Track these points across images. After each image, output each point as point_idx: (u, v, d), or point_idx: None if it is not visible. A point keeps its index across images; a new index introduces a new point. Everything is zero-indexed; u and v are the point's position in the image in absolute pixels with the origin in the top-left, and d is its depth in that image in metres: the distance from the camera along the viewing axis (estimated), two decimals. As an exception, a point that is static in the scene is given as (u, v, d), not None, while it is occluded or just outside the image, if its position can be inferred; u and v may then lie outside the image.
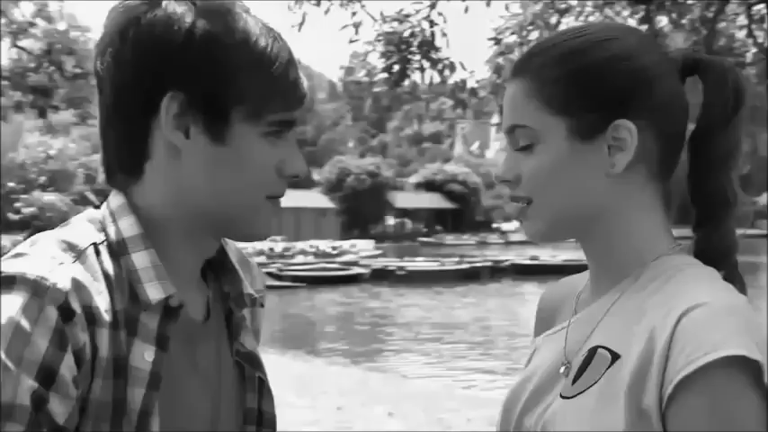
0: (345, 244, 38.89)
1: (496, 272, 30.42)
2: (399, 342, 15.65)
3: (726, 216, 0.98)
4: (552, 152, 0.96)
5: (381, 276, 28.52)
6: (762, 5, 6.24)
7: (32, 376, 0.84)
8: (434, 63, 6.26)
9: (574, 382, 0.94)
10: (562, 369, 0.98)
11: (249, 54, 0.94)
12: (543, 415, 0.96)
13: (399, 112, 69.35)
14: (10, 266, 0.88)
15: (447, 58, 6.28)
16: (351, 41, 6.75)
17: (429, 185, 58.72)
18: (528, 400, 1.00)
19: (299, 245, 36.82)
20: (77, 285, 0.89)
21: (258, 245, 30.76)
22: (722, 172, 0.98)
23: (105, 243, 0.95)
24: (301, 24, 6.85)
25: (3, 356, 0.83)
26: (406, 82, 6.49)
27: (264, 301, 1.16)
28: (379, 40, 6.45)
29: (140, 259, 0.95)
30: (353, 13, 6.59)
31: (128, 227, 0.96)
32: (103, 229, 0.96)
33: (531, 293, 25.57)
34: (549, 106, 0.96)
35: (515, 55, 7.11)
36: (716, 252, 0.97)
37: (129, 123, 0.96)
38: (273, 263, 30.67)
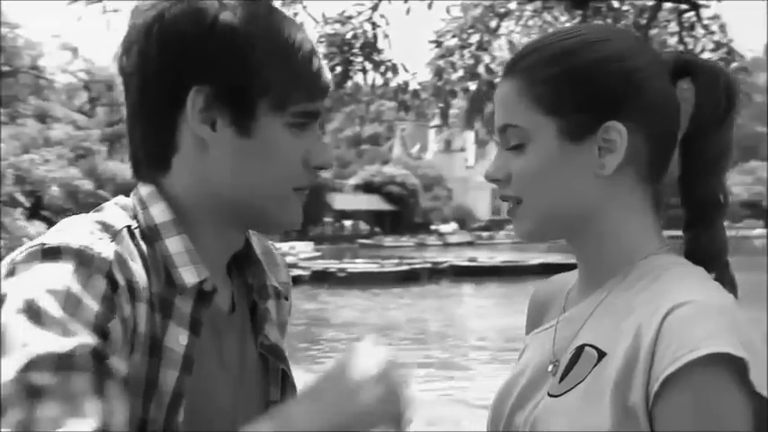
0: (284, 246, 38.67)
1: (435, 273, 30.62)
2: (337, 344, 15.61)
3: (717, 217, 0.98)
4: (542, 152, 0.96)
5: (322, 278, 28.43)
6: (692, 13, 6.42)
7: (90, 332, 0.83)
8: (377, 65, 6.27)
9: (561, 380, 0.94)
10: (550, 367, 0.98)
11: (272, 45, 0.95)
12: (533, 413, 0.96)
13: (339, 114, 69.38)
14: (52, 239, 0.88)
15: (389, 60, 6.30)
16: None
17: (368, 187, 58.80)
18: (518, 397, 1.00)
19: (237, 247, 36.36)
20: (120, 258, 0.89)
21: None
22: (714, 174, 0.98)
23: (138, 229, 0.96)
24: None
25: (58, 315, 0.81)
26: (349, 83, 6.48)
27: (290, 294, 1.16)
28: (321, 42, 6.43)
29: (174, 244, 0.95)
30: (295, 14, 6.54)
31: (159, 213, 0.97)
32: (135, 216, 0.97)
33: (469, 294, 25.83)
34: (540, 106, 0.96)
35: (456, 57, 7.17)
36: (706, 253, 0.97)
37: (156, 117, 0.97)
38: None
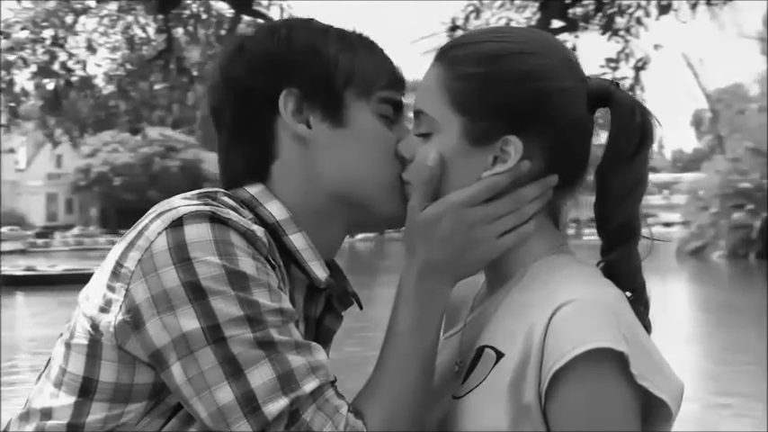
0: None
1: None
2: None
3: (630, 244, 0.99)
4: (443, 146, 0.96)
5: None
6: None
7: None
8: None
9: (464, 381, 0.96)
10: (456, 368, 1.00)
11: (342, 42, 1.04)
12: (440, 414, 0.97)
13: None
14: (220, 212, 0.92)
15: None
16: None
17: None
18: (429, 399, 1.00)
19: None
20: (270, 243, 0.95)
21: None
22: (626, 206, 0.98)
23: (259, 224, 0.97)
24: None
25: (262, 278, 0.90)
26: None
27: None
28: None
29: (298, 241, 1.00)
30: None
31: (277, 210, 1.01)
32: (252, 213, 0.99)
33: (21, 305, 23.89)
34: (453, 102, 0.96)
35: (28, 52, 6.63)
36: (622, 275, 0.98)
37: (253, 131, 1.03)
38: None
